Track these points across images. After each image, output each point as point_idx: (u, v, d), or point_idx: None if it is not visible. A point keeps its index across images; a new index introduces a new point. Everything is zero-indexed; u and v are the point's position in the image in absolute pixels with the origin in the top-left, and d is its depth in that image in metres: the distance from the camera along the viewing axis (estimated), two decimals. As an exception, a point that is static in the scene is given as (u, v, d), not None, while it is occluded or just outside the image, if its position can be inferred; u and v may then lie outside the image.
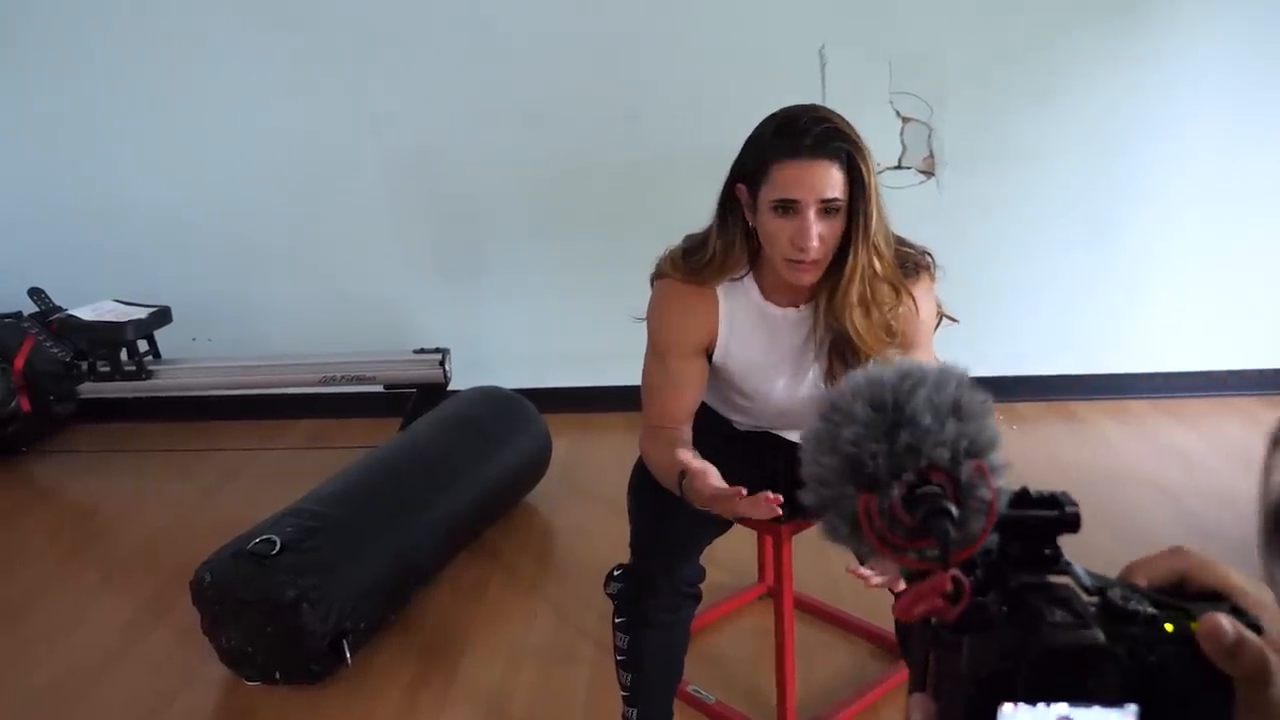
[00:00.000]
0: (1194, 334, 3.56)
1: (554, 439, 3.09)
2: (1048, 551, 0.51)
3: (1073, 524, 0.51)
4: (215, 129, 3.56)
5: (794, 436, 1.75)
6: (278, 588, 2.06)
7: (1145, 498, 2.86)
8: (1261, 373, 3.57)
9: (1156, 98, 3.32)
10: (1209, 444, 3.22)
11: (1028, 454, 3.20)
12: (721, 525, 1.65)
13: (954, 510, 0.48)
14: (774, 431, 1.76)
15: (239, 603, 2.08)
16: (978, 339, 3.47)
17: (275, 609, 2.05)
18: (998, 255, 3.48)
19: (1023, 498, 0.52)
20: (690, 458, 1.33)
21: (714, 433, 1.72)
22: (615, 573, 1.66)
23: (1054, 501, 0.52)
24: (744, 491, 1.28)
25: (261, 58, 3.47)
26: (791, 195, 1.40)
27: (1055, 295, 3.55)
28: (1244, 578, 0.59)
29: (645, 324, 1.64)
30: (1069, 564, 0.51)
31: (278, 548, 2.11)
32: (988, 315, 3.46)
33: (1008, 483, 0.52)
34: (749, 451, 1.74)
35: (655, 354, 1.63)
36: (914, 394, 0.52)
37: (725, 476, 1.37)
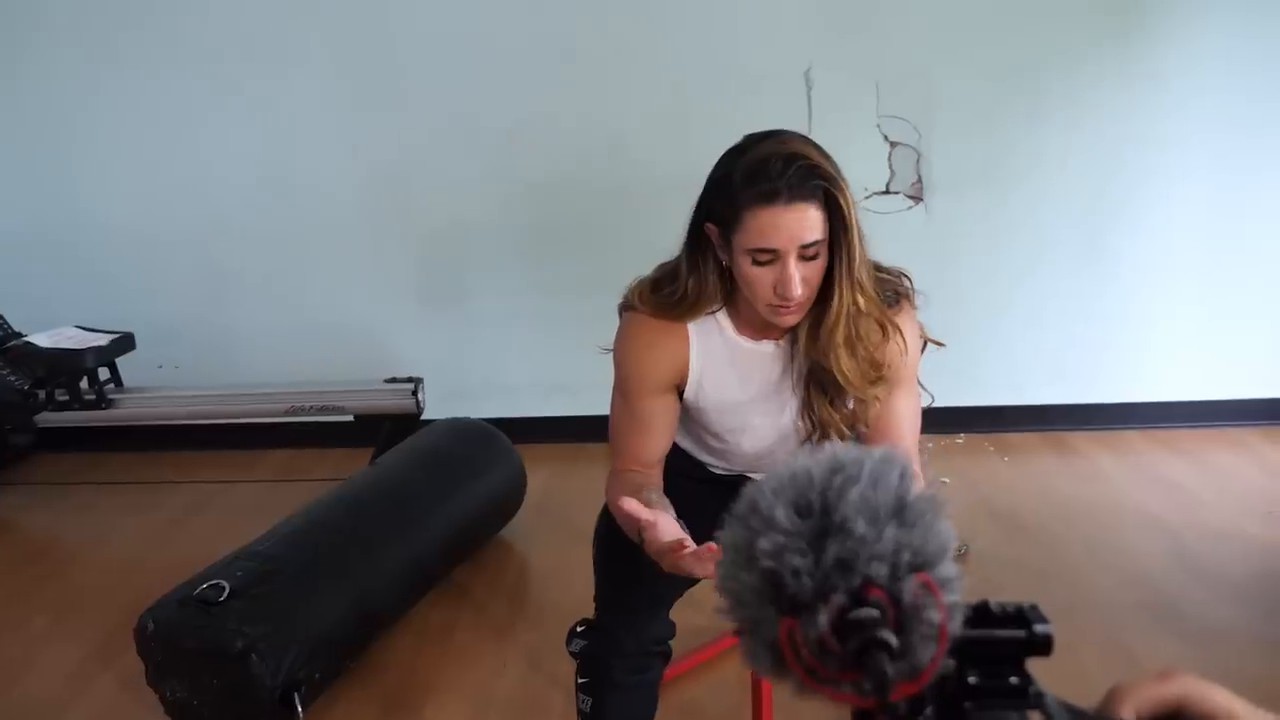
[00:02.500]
0: (1189, 363, 3.47)
1: (535, 470, 2.98)
2: (1015, 680, 0.42)
3: (1044, 646, 0.41)
4: (184, 150, 3.46)
5: None
6: (225, 637, 1.93)
7: (1141, 534, 2.75)
8: (1257, 403, 3.49)
9: (1151, 121, 3.24)
10: (1205, 477, 3.12)
11: (1020, 487, 3.11)
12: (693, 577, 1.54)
13: (893, 641, 0.39)
14: (749, 475, 1.65)
15: (184, 653, 1.96)
16: (969, 367, 3.42)
17: (222, 659, 1.93)
18: (988, 282, 3.39)
19: (983, 614, 0.42)
20: (637, 506, 1.20)
21: (686, 476, 1.61)
22: (578, 629, 1.54)
23: (1021, 618, 0.42)
24: (685, 544, 1.17)
25: (233, 78, 3.38)
26: (770, 245, 1.29)
27: (1048, 322, 3.45)
28: (1248, 706, 0.49)
29: (612, 358, 1.54)
30: (1041, 695, 0.42)
31: (226, 593, 1.98)
32: (979, 343, 3.38)
33: (965, 595, 0.42)
34: (723, 497, 1.62)
35: (622, 392, 1.53)
36: (845, 493, 0.42)
37: (698, 524, 1.27)
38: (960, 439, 3.47)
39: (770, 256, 1.30)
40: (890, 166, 3.32)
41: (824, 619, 0.40)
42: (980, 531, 2.76)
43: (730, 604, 0.44)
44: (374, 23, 3.30)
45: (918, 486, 0.44)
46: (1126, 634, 2.25)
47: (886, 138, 3.30)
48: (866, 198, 3.27)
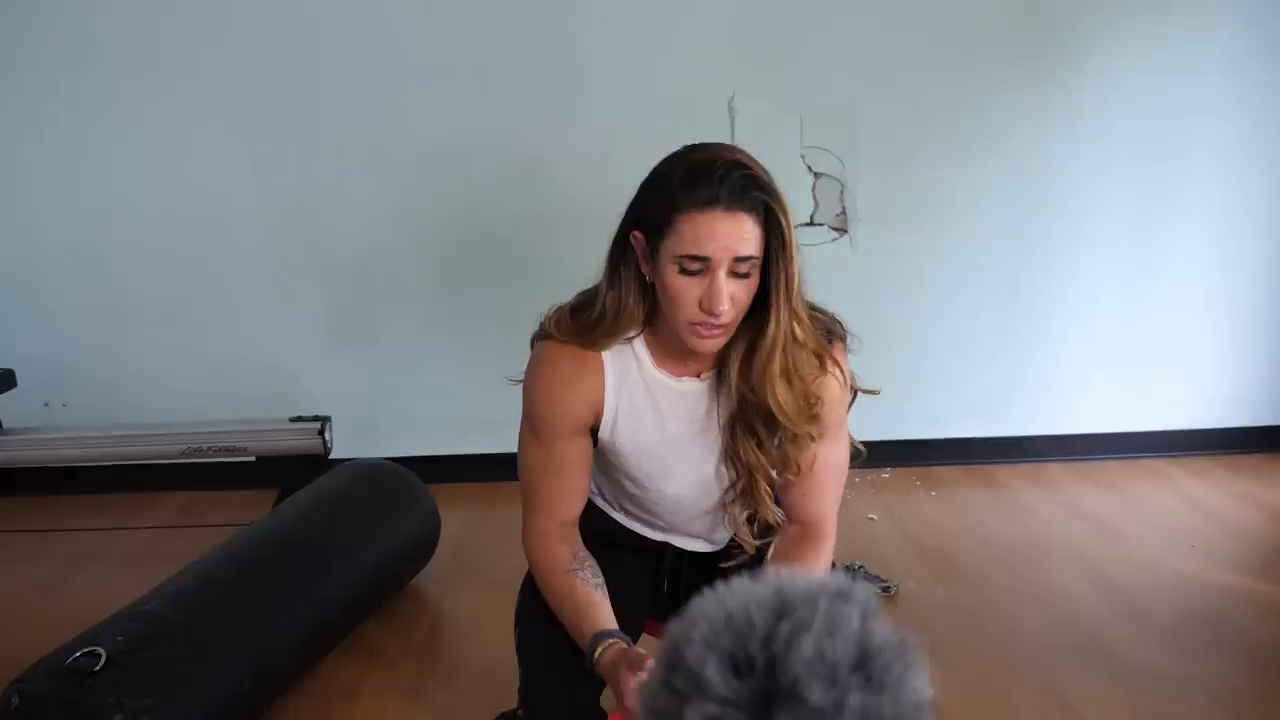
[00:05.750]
0: (1107, 394, 3.50)
1: (449, 511, 2.83)
2: None
3: None
4: (74, 173, 3.24)
5: (692, 545, 1.55)
6: (101, 711, 1.74)
7: (1069, 572, 2.73)
8: (1175, 434, 3.52)
9: (1068, 156, 3.27)
10: (1127, 510, 3.13)
11: (949, 524, 3.06)
12: None
13: None
14: (670, 542, 1.55)
15: (54, 731, 1.77)
16: (894, 401, 3.34)
17: (97, 737, 1.75)
18: (913, 314, 3.37)
19: None
20: (632, 648, 1.16)
21: (607, 545, 1.50)
22: (504, 725, 1.41)
23: None
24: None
25: (128, 99, 3.18)
26: (701, 251, 1.21)
27: (972, 356, 3.44)
28: None
29: (521, 393, 1.43)
30: None
31: (103, 662, 1.80)
32: (903, 376, 3.32)
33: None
34: (638, 559, 1.52)
35: (534, 432, 1.42)
36: (796, 645, 0.31)
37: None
38: (887, 473, 3.43)
39: (700, 266, 1.22)
40: (814, 198, 3.28)
41: None
42: (910, 571, 2.71)
43: None
44: (279, 45, 3.14)
45: (883, 627, 0.33)
46: (1059, 677, 2.19)
47: (810, 168, 3.26)
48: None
